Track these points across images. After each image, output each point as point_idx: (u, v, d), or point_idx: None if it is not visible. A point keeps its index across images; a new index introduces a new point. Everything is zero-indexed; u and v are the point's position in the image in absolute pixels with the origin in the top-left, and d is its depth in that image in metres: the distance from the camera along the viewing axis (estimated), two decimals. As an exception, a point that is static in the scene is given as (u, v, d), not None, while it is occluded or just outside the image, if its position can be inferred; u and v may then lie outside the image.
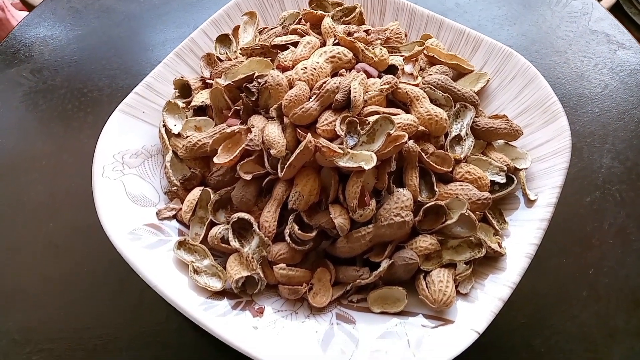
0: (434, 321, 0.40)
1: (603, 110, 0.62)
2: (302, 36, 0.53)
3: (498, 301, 0.39)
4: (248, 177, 0.43)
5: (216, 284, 0.42)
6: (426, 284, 0.41)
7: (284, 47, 0.51)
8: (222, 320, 0.39)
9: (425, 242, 0.42)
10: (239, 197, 0.44)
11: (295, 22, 0.56)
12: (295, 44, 0.52)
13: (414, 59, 0.54)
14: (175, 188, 0.47)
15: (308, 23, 0.55)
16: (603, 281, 0.50)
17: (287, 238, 0.42)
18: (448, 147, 0.47)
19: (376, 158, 0.40)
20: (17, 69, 0.66)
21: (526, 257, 0.41)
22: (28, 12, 0.78)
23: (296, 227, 0.41)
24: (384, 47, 0.53)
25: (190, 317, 0.38)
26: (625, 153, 0.58)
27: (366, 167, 0.40)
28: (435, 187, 0.44)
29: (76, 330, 0.48)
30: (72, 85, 0.65)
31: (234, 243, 0.42)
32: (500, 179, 0.46)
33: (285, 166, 0.41)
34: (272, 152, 0.42)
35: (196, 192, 0.46)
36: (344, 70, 0.48)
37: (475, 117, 0.49)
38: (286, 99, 0.44)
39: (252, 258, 0.41)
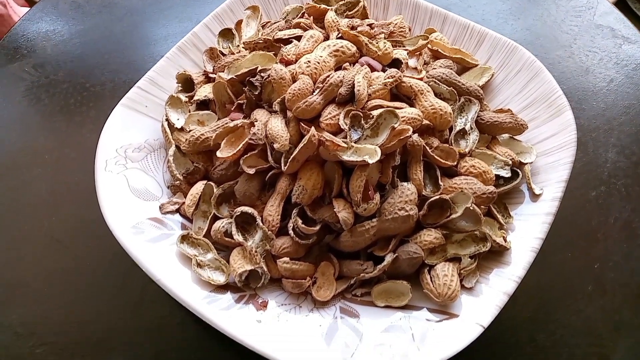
0: (438, 315, 0.40)
1: (608, 105, 0.61)
2: (305, 30, 0.53)
3: (503, 295, 0.39)
4: (251, 171, 0.43)
5: (219, 278, 0.41)
6: (431, 278, 0.40)
7: (287, 41, 0.51)
8: (225, 314, 0.39)
9: (430, 236, 0.41)
10: (242, 191, 0.44)
11: (299, 16, 0.56)
12: (298, 38, 0.51)
13: (418, 53, 0.54)
14: (178, 182, 0.47)
15: (311, 17, 0.55)
16: (608, 275, 0.49)
17: (291, 232, 0.41)
18: (452, 141, 0.46)
19: (380, 152, 0.40)
20: (20, 64, 0.66)
21: (531, 252, 0.41)
22: (30, 8, 0.78)
23: (300, 221, 0.41)
24: (387, 41, 0.53)
25: (194, 311, 0.38)
26: (631, 147, 0.58)
27: (370, 161, 0.39)
28: (439, 181, 0.43)
29: (79, 324, 0.48)
30: (74, 80, 0.65)
31: (238, 237, 0.42)
32: (505, 173, 0.46)
33: (289, 160, 0.41)
34: (276, 146, 0.42)
35: (199, 186, 0.45)
36: (347, 64, 0.48)
37: (480, 111, 0.49)
38: (289, 93, 0.43)
39: (256, 252, 0.41)
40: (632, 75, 0.64)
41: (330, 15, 0.53)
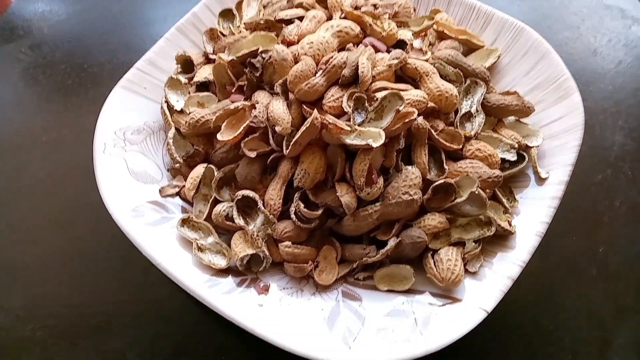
0: (441, 299, 0.39)
1: (616, 87, 0.60)
2: (307, 10, 0.51)
3: (507, 280, 0.39)
4: (252, 154, 0.43)
5: (220, 262, 0.41)
6: (434, 262, 0.40)
7: (289, 22, 0.50)
8: (227, 298, 0.39)
9: (434, 220, 0.41)
10: (243, 175, 0.43)
11: (301, -4, 0.54)
12: (300, 19, 0.50)
13: (423, 34, 0.53)
14: (178, 165, 0.46)
15: (314, -3, 0.54)
16: (613, 259, 0.49)
17: (293, 216, 0.41)
18: (458, 124, 0.46)
19: (384, 135, 0.39)
20: (16, 44, 0.65)
21: (536, 236, 0.41)
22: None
23: (302, 205, 0.41)
24: (392, 21, 0.51)
25: (195, 295, 0.38)
26: (639, 130, 0.57)
27: (374, 145, 0.38)
28: (444, 165, 0.43)
29: (79, 306, 0.47)
30: (72, 61, 0.63)
31: (239, 221, 0.41)
32: (511, 156, 0.45)
33: (291, 143, 0.40)
34: (277, 129, 0.41)
35: (199, 169, 0.45)
36: (351, 45, 0.47)
37: (486, 93, 0.48)
38: (291, 75, 0.42)
39: (257, 236, 0.41)
40: (638, 62, 0.63)
41: (334, -5, 0.51)
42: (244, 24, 0.51)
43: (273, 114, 0.42)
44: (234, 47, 0.49)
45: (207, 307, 0.37)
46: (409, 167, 0.41)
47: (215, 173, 0.44)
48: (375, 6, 0.52)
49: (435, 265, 0.40)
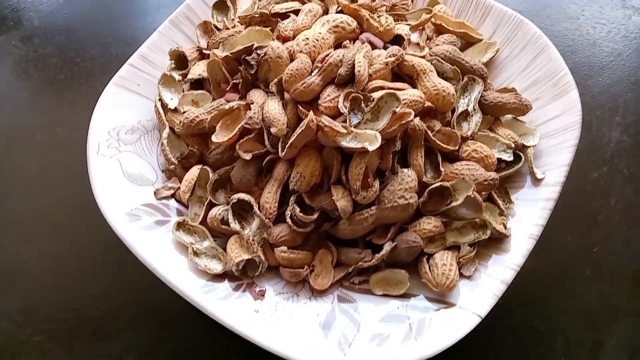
0: (436, 304, 0.40)
1: (614, 81, 0.60)
2: (303, 3, 0.50)
3: (501, 284, 0.39)
4: (248, 156, 0.42)
5: (216, 267, 0.41)
6: (429, 267, 0.40)
7: (284, 16, 0.49)
8: (223, 304, 0.39)
9: (430, 224, 0.41)
10: (238, 177, 0.43)
11: (296, -12, 0.53)
12: (296, 12, 0.49)
13: (421, 27, 0.52)
14: (173, 166, 0.46)
15: (309, -11, 0.52)
16: (607, 259, 0.49)
17: (289, 220, 0.41)
18: (455, 124, 0.45)
19: (381, 138, 0.39)
20: (6, 37, 0.64)
21: (531, 239, 0.41)
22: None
23: (297, 209, 0.41)
24: (389, 14, 0.50)
25: (191, 301, 0.38)
26: (636, 126, 0.57)
27: (370, 148, 0.38)
28: (440, 167, 0.42)
29: (76, 310, 0.48)
30: (64, 54, 0.62)
31: (234, 225, 0.41)
32: (508, 156, 0.45)
33: (286, 146, 0.40)
34: (273, 130, 0.41)
35: (194, 171, 0.44)
36: (347, 41, 0.46)
37: (484, 90, 0.47)
38: (287, 73, 0.42)
39: (253, 240, 0.41)
40: (639, 50, 0.62)
41: (330, -13, 0.50)
42: (239, 17, 0.50)
43: (268, 115, 0.41)
44: (228, 43, 0.48)
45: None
46: (405, 170, 0.41)
47: (211, 175, 0.44)
48: (372, -1, 0.51)
49: (430, 270, 0.40)
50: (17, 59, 0.62)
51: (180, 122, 0.46)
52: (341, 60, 0.42)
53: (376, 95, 0.40)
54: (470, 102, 0.46)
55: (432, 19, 0.52)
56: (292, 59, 0.44)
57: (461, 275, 0.41)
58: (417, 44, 0.50)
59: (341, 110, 0.40)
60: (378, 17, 0.47)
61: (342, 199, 0.40)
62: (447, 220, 0.42)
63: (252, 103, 0.43)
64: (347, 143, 0.39)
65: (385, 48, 0.46)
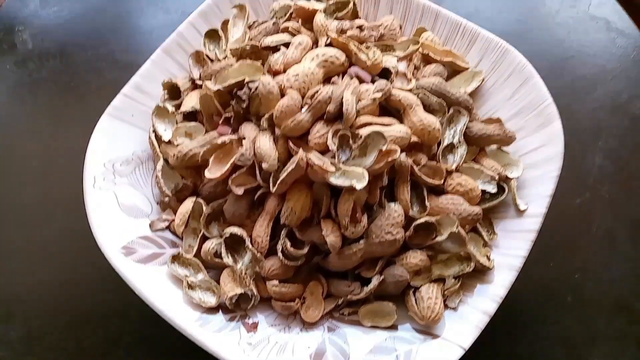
0: (422, 335, 0.41)
1: (598, 105, 0.61)
2: (293, 35, 0.51)
3: (484, 315, 0.41)
4: (240, 191, 0.43)
5: (210, 300, 0.43)
6: (415, 300, 0.42)
7: (275, 49, 0.50)
8: (217, 337, 0.40)
9: (416, 258, 0.42)
10: (231, 212, 0.44)
11: (287, 18, 0.54)
12: (286, 45, 0.50)
13: (408, 57, 0.53)
14: (167, 199, 0.47)
15: (300, 19, 0.54)
16: (588, 285, 0.51)
17: (280, 254, 0.42)
18: (440, 157, 0.47)
19: (368, 175, 0.40)
20: (0, 61, 0.64)
21: (513, 271, 0.42)
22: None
23: (289, 244, 0.42)
24: (378, 44, 0.52)
25: (187, 335, 0.39)
26: (618, 151, 0.58)
27: (358, 187, 0.40)
28: (426, 201, 0.44)
29: (77, 339, 0.49)
30: (58, 79, 0.63)
31: (227, 259, 0.43)
32: (492, 188, 0.47)
33: (278, 182, 0.41)
34: (264, 165, 0.42)
35: (188, 205, 0.46)
36: (336, 76, 0.47)
37: (469, 121, 0.49)
38: (277, 110, 0.43)
39: (246, 274, 0.42)
40: (625, 73, 0.63)
41: (319, 19, 0.51)
42: (230, 50, 0.51)
43: (260, 151, 0.42)
44: (220, 76, 0.49)
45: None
46: (392, 205, 0.43)
47: (204, 208, 0.45)
48: (360, 28, 0.52)
49: (416, 302, 0.42)
50: (11, 84, 0.63)
51: (174, 155, 0.47)
52: (330, 97, 0.43)
53: (364, 132, 0.42)
54: (456, 134, 0.48)
55: (420, 49, 0.53)
56: (282, 93, 0.45)
57: (446, 307, 0.43)
58: (405, 74, 0.51)
59: (330, 147, 0.42)
60: (367, 48, 0.49)
61: (331, 234, 0.41)
62: (433, 254, 0.43)
63: (244, 138, 0.44)
64: (336, 180, 0.40)
65: (373, 81, 0.48)
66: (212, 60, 0.54)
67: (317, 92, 0.44)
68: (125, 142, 0.50)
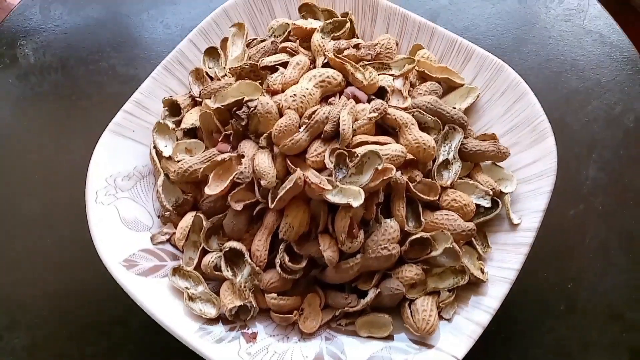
0: (417, 346, 0.42)
1: (592, 118, 0.62)
2: (291, 55, 0.53)
3: (477, 327, 0.42)
4: (239, 207, 0.45)
5: (211, 311, 0.44)
6: (411, 312, 0.43)
7: (273, 69, 0.51)
8: (217, 347, 0.41)
9: (411, 272, 0.43)
10: (230, 226, 0.45)
11: (285, 37, 0.55)
12: (284, 65, 0.52)
13: (404, 76, 0.54)
14: (168, 213, 0.48)
15: (297, 39, 0.55)
16: (581, 295, 0.52)
17: (278, 268, 0.43)
18: (435, 173, 0.48)
19: (364, 193, 0.41)
20: (3, 75, 0.66)
21: (507, 283, 0.43)
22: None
23: (287, 258, 0.43)
24: (374, 63, 0.53)
25: (188, 345, 0.40)
26: (611, 163, 0.59)
27: (354, 204, 0.41)
28: (421, 217, 0.45)
29: (79, 347, 0.50)
30: (60, 92, 0.64)
31: (227, 273, 0.44)
32: (486, 203, 0.48)
33: (276, 199, 0.42)
34: (263, 182, 0.43)
35: (188, 219, 0.47)
36: (333, 97, 0.48)
37: (464, 138, 0.50)
38: (276, 129, 0.44)
39: (245, 287, 0.43)
40: (618, 87, 0.64)
41: (317, 38, 0.53)
42: (229, 69, 0.52)
43: (258, 168, 0.44)
44: (219, 95, 0.50)
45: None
46: (388, 221, 0.44)
47: (204, 223, 0.46)
48: (357, 47, 0.53)
49: (412, 315, 0.43)
50: (14, 98, 0.64)
51: (174, 171, 0.48)
52: (327, 118, 0.44)
53: (360, 151, 0.43)
54: (451, 151, 0.49)
55: (416, 67, 0.54)
56: (281, 113, 0.46)
57: (441, 318, 0.44)
58: (400, 92, 0.52)
59: (327, 166, 0.43)
60: (363, 67, 0.50)
61: (328, 249, 0.42)
62: (428, 267, 0.44)
63: (243, 156, 0.45)
64: (333, 197, 0.41)
65: (369, 101, 0.49)
66: (211, 78, 0.55)
67: (314, 112, 0.45)
68: (126, 158, 0.51)
